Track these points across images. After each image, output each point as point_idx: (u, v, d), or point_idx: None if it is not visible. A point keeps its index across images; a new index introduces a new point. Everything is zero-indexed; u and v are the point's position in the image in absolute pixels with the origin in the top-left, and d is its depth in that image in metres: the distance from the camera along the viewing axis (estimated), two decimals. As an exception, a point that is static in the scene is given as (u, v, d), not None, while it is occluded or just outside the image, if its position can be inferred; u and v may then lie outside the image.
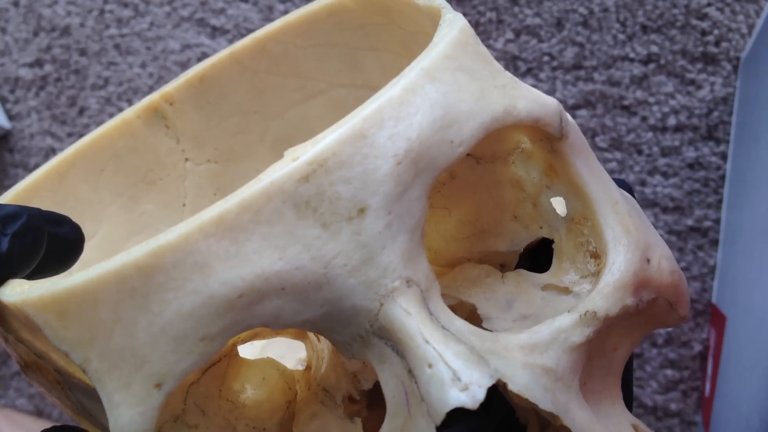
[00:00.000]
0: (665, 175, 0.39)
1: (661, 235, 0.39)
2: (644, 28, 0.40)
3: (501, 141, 0.17)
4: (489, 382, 0.12)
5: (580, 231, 0.16)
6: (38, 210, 0.16)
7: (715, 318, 0.37)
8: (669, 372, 0.39)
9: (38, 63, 0.48)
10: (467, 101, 0.14)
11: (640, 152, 0.39)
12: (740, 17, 0.39)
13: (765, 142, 0.31)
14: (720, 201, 0.39)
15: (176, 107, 0.25)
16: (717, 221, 0.39)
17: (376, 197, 0.13)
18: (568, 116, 0.16)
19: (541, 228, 0.17)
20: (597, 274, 0.16)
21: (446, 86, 0.14)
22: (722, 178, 0.39)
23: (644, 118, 0.40)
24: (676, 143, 0.39)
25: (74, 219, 0.18)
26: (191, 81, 0.25)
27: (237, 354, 0.18)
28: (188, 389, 0.16)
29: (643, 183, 0.39)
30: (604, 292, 0.15)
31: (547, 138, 0.15)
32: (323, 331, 0.14)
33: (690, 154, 0.39)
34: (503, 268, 0.18)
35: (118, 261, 0.13)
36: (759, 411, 0.26)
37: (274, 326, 0.13)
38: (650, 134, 0.39)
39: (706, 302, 0.38)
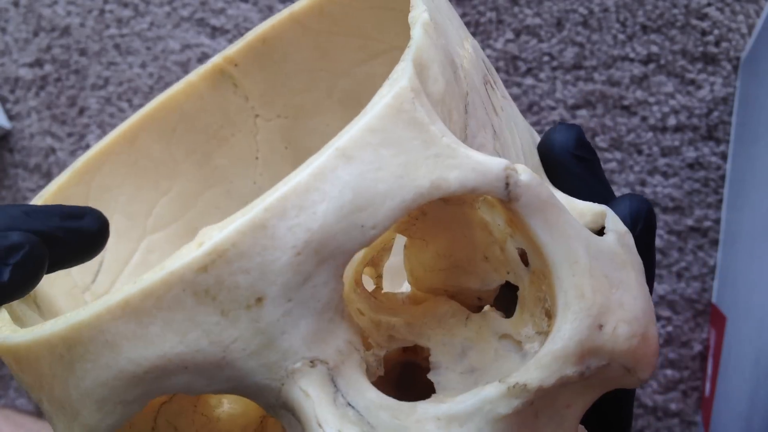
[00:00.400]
0: (665, 175, 0.39)
1: (661, 236, 0.39)
2: (644, 28, 0.40)
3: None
4: None
5: (539, 286, 0.16)
6: (51, 230, 0.17)
7: (715, 318, 0.37)
8: (669, 372, 0.39)
9: (38, 63, 0.48)
10: (386, 180, 0.14)
11: (640, 152, 0.39)
12: (740, 17, 0.39)
13: (765, 142, 0.31)
14: (720, 201, 0.39)
15: (241, 68, 0.26)
16: (717, 221, 0.39)
17: (274, 287, 0.13)
18: (523, 175, 0.15)
19: (508, 273, 0.17)
20: (547, 335, 0.15)
21: (363, 166, 0.14)
22: (722, 178, 0.39)
23: (644, 118, 0.40)
24: (676, 143, 0.39)
25: (148, 177, 0.20)
26: (252, 43, 0.26)
27: None
28: (159, 408, 0.17)
29: (643, 183, 0.39)
30: (542, 362, 0.15)
31: (499, 199, 0.15)
32: (243, 396, 0.15)
33: (690, 154, 0.39)
34: (480, 301, 0.18)
35: (47, 329, 0.14)
36: (759, 411, 0.26)
37: (191, 394, 0.14)
38: (650, 134, 0.39)
39: (706, 302, 0.38)
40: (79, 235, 0.17)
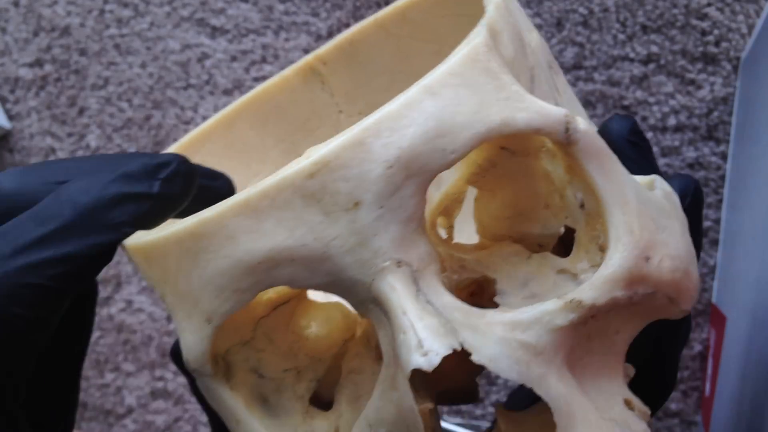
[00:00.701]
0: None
1: (661, 235, 0.39)
2: (644, 28, 0.40)
3: (528, 139, 0.19)
4: (446, 351, 0.15)
5: (594, 226, 0.18)
6: (195, 165, 0.19)
7: (715, 318, 0.37)
8: (669, 372, 0.39)
9: (38, 63, 0.48)
10: (464, 114, 0.16)
11: (640, 152, 0.39)
12: (740, 17, 0.39)
13: (765, 142, 0.31)
14: (720, 201, 0.39)
15: (329, 66, 0.29)
16: (717, 221, 0.39)
17: (369, 194, 0.15)
18: (581, 124, 0.17)
19: (566, 218, 0.19)
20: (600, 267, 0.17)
21: (445, 101, 0.16)
22: (722, 178, 0.39)
23: (644, 118, 0.40)
24: (676, 143, 0.39)
25: (241, 159, 0.24)
26: (341, 44, 0.28)
27: (306, 296, 0.21)
28: (258, 321, 0.20)
29: (643, 183, 0.39)
30: (595, 283, 0.17)
31: (559, 143, 0.17)
32: (337, 294, 0.17)
33: (690, 154, 0.39)
34: (541, 248, 0.20)
35: (180, 226, 0.17)
36: (759, 411, 0.26)
37: (293, 286, 0.17)
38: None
39: (706, 302, 0.38)
40: (212, 193, 0.20)
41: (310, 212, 0.16)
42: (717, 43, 0.39)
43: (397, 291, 0.16)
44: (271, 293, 0.21)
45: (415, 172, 0.16)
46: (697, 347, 0.39)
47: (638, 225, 0.17)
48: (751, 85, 0.36)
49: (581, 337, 0.17)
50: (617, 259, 0.17)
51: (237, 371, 0.19)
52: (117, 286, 0.45)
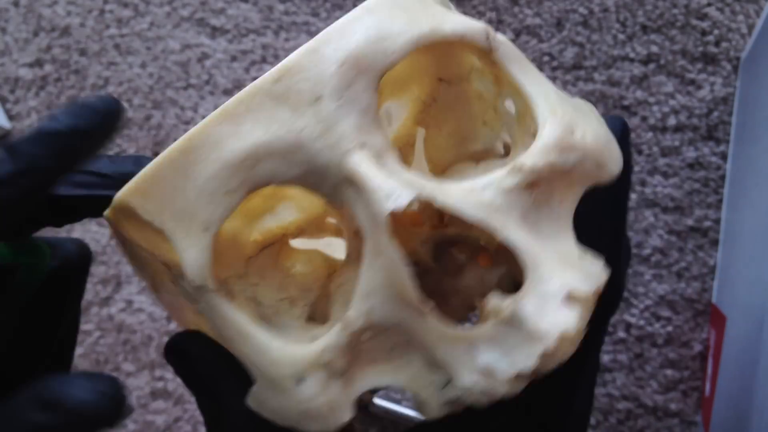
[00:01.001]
0: (665, 175, 0.39)
1: (661, 236, 0.39)
2: (644, 28, 0.40)
3: (459, 64, 0.22)
4: (412, 195, 0.18)
5: (525, 121, 0.21)
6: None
7: (715, 318, 0.37)
8: (669, 372, 0.39)
9: (38, 63, 0.48)
10: (399, 25, 0.19)
11: (640, 152, 0.39)
12: (740, 17, 0.39)
13: (765, 142, 0.31)
14: (720, 201, 0.39)
15: None
16: (717, 221, 0.39)
17: (327, 89, 0.18)
18: (500, 36, 0.20)
19: (503, 127, 0.22)
20: None
21: (381, 17, 0.19)
22: (722, 178, 0.39)
23: (644, 118, 0.40)
24: (676, 143, 0.39)
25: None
26: None
27: (288, 243, 0.24)
28: (248, 260, 0.23)
29: (643, 183, 0.39)
30: (532, 151, 0.19)
31: (484, 53, 0.20)
32: (313, 187, 0.19)
33: (690, 154, 0.39)
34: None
35: (170, 148, 0.19)
36: (759, 411, 0.26)
37: (275, 182, 0.19)
38: (650, 134, 0.39)
39: (706, 302, 0.38)
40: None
41: (281, 110, 0.18)
42: (717, 43, 0.39)
43: (364, 164, 0.18)
44: (257, 235, 0.23)
45: (364, 69, 0.18)
46: (697, 347, 0.39)
47: (561, 109, 0.20)
48: (751, 85, 0.36)
49: (530, 204, 0.19)
50: (547, 131, 0.19)
51: (237, 296, 0.21)
52: (117, 286, 0.45)
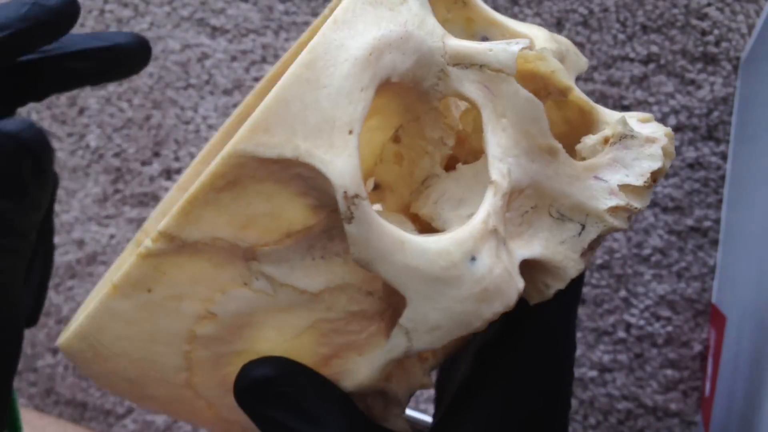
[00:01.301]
0: (665, 175, 0.39)
1: (661, 236, 0.39)
2: (644, 28, 0.40)
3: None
4: (525, 40, 0.20)
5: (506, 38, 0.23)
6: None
7: (715, 318, 0.37)
8: (669, 372, 0.39)
9: (38, 63, 0.48)
10: None
11: (640, 152, 0.39)
12: (740, 17, 0.39)
13: (765, 142, 0.31)
14: (720, 201, 0.39)
15: None
16: (717, 221, 0.39)
17: None
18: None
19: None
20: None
21: None
22: (722, 178, 0.39)
23: (644, 118, 0.40)
24: (676, 143, 0.39)
25: None
26: None
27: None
28: (373, 169, 0.23)
29: (643, 183, 0.39)
30: (539, 36, 0.23)
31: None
32: (420, 80, 0.20)
33: (690, 154, 0.39)
34: None
35: (289, 72, 0.18)
36: (759, 411, 0.26)
37: (394, 76, 0.20)
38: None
39: (706, 302, 0.38)
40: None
41: (381, 11, 0.20)
42: (717, 43, 0.39)
43: (462, 41, 0.20)
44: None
45: None
46: (697, 347, 0.39)
47: (536, 28, 0.24)
48: (751, 85, 0.36)
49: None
50: (535, 33, 0.23)
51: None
52: (117, 286, 0.45)
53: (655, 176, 0.21)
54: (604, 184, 0.21)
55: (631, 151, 0.21)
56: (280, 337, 0.20)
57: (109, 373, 0.21)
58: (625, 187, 0.21)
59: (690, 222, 0.39)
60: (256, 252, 0.19)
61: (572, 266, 0.20)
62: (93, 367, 0.21)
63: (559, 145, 0.20)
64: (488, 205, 0.19)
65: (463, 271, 0.19)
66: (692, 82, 0.39)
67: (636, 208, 0.20)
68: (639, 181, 0.21)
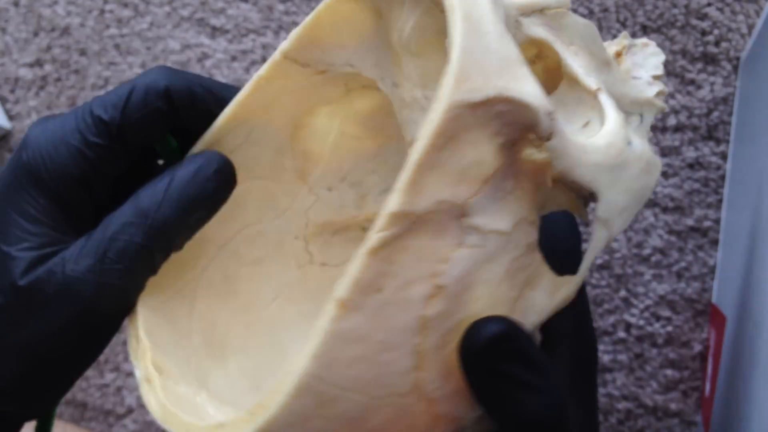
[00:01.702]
0: (665, 175, 0.39)
1: (661, 236, 0.39)
2: (644, 28, 0.40)
3: None
4: None
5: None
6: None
7: (715, 318, 0.37)
8: (669, 372, 0.39)
9: (38, 63, 0.48)
10: None
11: (640, 152, 0.39)
12: (740, 17, 0.39)
13: (765, 142, 0.31)
14: (720, 201, 0.39)
15: None
16: (717, 221, 0.39)
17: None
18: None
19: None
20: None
21: None
22: (722, 178, 0.39)
23: (644, 118, 0.40)
24: (676, 143, 0.39)
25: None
26: None
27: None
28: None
29: (643, 183, 0.39)
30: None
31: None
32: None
33: (690, 154, 0.39)
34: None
35: (456, 23, 0.20)
36: (759, 411, 0.26)
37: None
38: (650, 134, 0.39)
39: (706, 302, 0.38)
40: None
41: None
42: (717, 43, 0.39)
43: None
44: None
45: None
46: (697, 347, 0.39)
47: None
48: (751, 85, 0.36)
49: None
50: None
51: None
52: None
53: (660, 75, 0.25)
54: (642, 80, 0.25)
55: (638, 54, 0.25)
56: (487, 291, 0.20)
57: (330, 420, 0.18)
58: (654, 77, 0.25)
59: (690, 222, 0.39)
60: (467, 206, 0.19)
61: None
62: (308, 425, 0.18)
63: (612, 57, 0.24)
64: (609, 102, 0.23)
65: (628, 154, 0.22)
66: (692, 82, 0.39)
67: (666, 91, 0.25)
68: (659, 70, 0.25)
